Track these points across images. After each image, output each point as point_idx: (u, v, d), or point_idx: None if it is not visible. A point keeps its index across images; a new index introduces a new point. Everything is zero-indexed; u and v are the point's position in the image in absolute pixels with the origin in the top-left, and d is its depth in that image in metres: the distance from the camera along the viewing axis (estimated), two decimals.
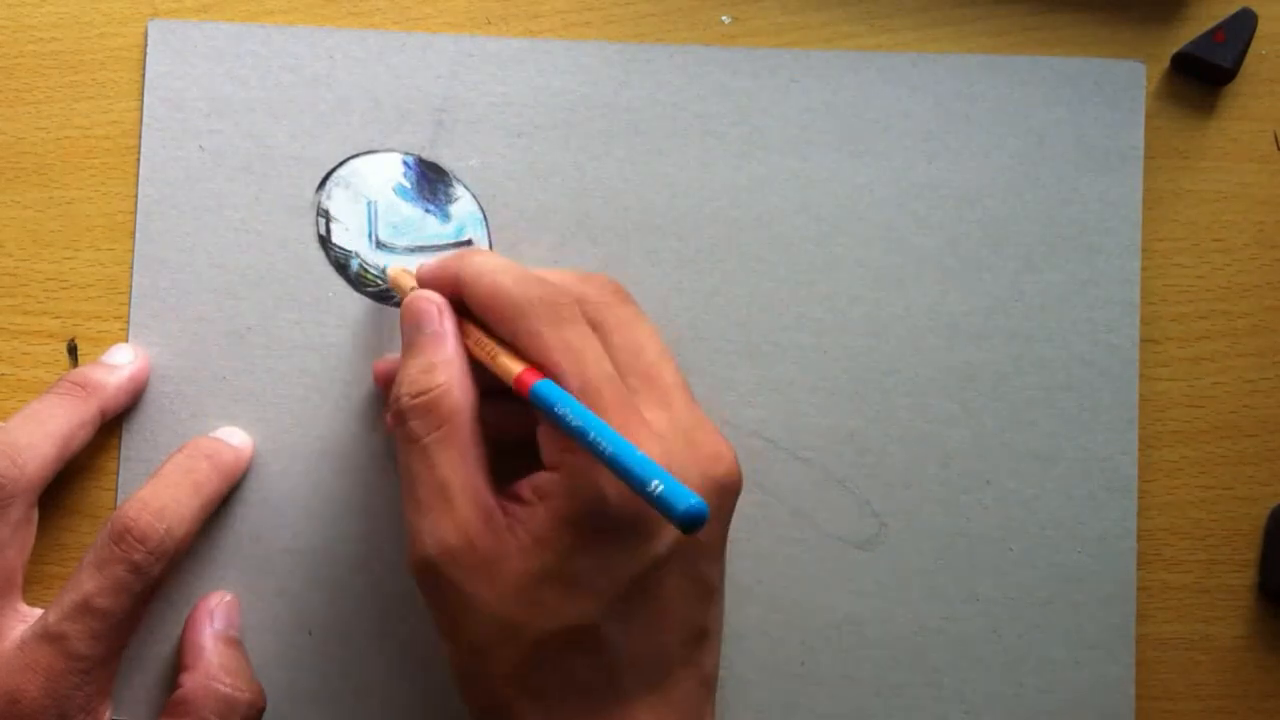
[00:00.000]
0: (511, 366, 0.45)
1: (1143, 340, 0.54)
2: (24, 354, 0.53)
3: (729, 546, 0.50)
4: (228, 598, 0.52)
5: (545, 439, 0.46)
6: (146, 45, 0.54)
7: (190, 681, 0.50)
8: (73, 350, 0.53)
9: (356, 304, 0.54)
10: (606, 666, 0.45)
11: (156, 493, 0.49)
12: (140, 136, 0.54)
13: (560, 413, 0.43)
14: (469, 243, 0.54)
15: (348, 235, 0.54)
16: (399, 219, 0.54)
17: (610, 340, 0.47)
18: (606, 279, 0.50)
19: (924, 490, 0.54)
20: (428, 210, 0.54)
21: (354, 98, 0.54)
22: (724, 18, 0.55)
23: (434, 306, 0.48)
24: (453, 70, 0.54)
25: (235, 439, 0.53)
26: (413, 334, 0.48)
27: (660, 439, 0.45)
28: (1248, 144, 0.55)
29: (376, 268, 0.54)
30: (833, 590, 0.53)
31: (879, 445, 0.54)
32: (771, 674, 0.53)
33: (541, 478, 0.45)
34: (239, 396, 0.53)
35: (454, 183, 0.54)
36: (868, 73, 0.55)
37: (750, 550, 0.53)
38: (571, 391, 0.44)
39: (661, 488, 0.40)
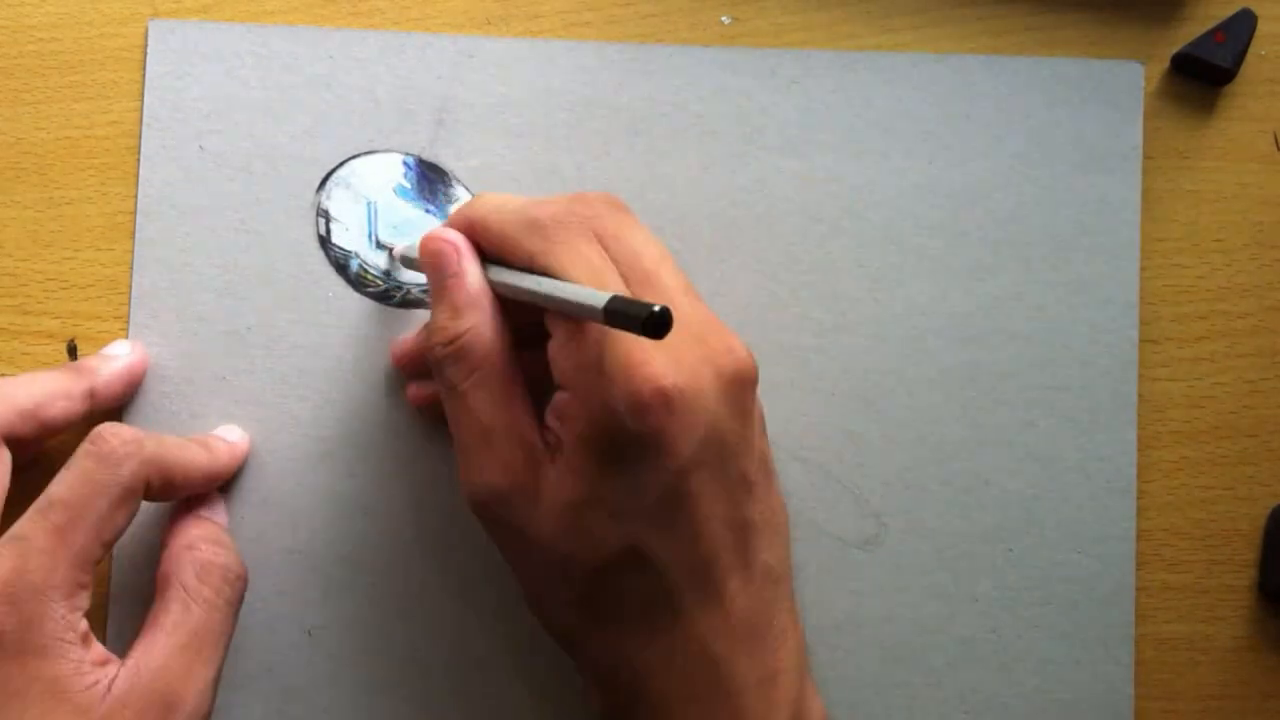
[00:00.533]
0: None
1: (1142, 340, 0.54)
2: (24, 354, 0.53)
3: None
4: (212, 495, 0.53)
5: (554, 356, 0.46)
6: (146, 45, 0.54)
7: (166, 555, 0.50)
8: (72, 350, 0.53)
9: (356, 304, 0.54)
10: (656, 579, 0.45)
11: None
12: (140, 136, 0.54)
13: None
14: None
15: (348, 235, 0.54)
16: (399, 219, 0.54)
17: (608, 249, 0.47)
18: (599, 194, 0.49)
19: (924, 490, 0.54)
20: (428, 210, 0.54)
21: (354, 98, 0.54)
22: (724, 18, 0.55)
23: (450, 246, 0.48)
24: (453, 71, 0.54)
25: (233, 434, 0.53)
26: (436, 280, 0.48)
27: (664, 345, 0.44)
28: (1247, 144, 0.55)
29: (377, 268, 0.54)
30: (832, 590, 0.53)
31: (879, 445, 0.54)
32: None
33: (559, 399, 0.46)
34: (239, 396, 0.53)
35: (454, 183, 0.54)
36: (868, 73, 0.55)
37: None
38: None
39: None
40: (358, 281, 0.54)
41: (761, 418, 0.49)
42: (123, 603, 0.52)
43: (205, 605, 0.48)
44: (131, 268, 0.53)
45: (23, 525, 0.46)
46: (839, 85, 0.55)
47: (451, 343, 0.47)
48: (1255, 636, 0.54)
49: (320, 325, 0.53)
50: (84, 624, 0.46)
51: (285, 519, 0.53)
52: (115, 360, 0.52)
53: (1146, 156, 0.55)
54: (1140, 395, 0.54)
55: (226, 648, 0.49)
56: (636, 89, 0.54)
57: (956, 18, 0.55)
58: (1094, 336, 0.54)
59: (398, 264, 0.53)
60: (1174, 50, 0.55)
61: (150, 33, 0.54)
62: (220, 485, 0.53)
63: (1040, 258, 0.54)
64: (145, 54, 0.54)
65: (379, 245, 0.54)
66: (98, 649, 0.46)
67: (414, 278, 0.54)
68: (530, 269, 0.46)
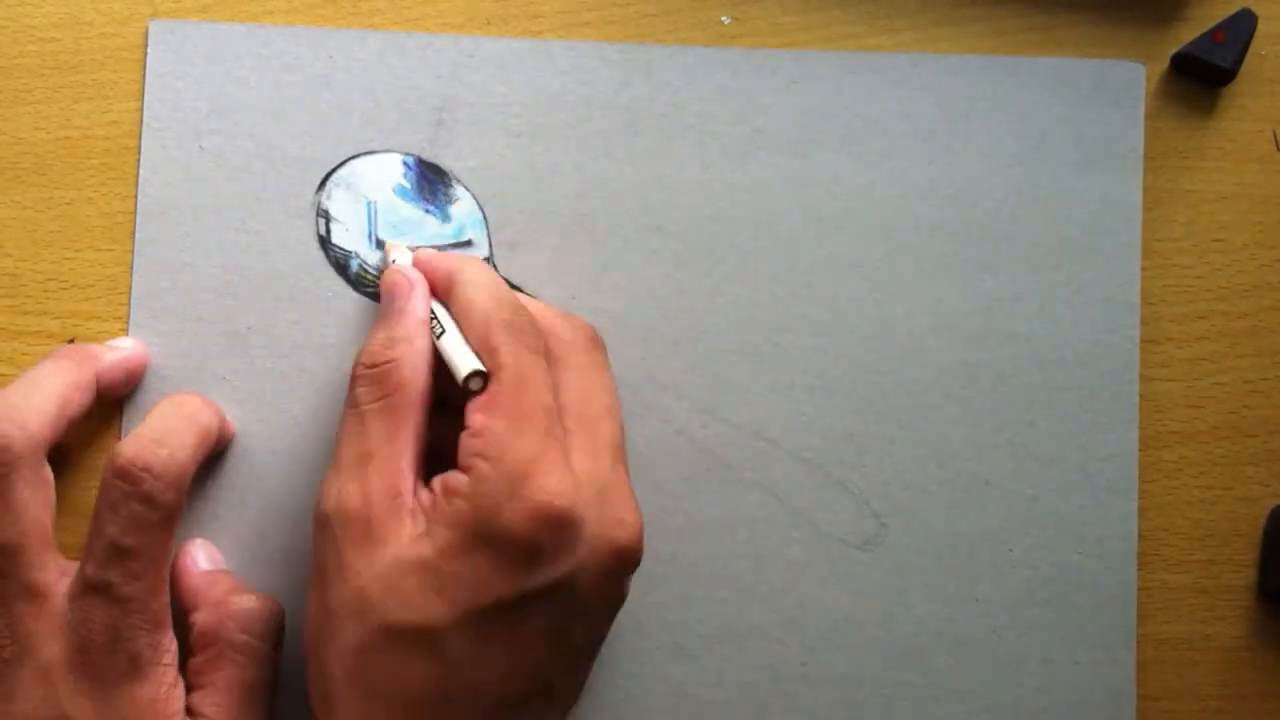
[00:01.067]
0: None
1: (1142, 340, 0.54)
2: (24, 354, 0.53)
3: (733, 545, 0.51)
4: (199, 540, 0.53)
5: (463, 444, 0.46)
6: (147, 45, 0.54)
7: (203, 615, 0.50)
8: None
9: (356, 304, 0.54)
10: (440, 681, 0.45)
11: (149, 425, 0.50)
12: (140, 136, 0.54)
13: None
14: (469, 243, 0.54)
15: (348, 235, 0.54)
16: (399, 219, 0.54)
17: (564, 379, 0.48)
18: (583, 322, 0.50)
19: (924, 491, 0.54)
20: (428, 211, 0.54)
21: (354, 98, 0.54)
22: (724, 18, 0.55)
23: (408, 283, 0.49)
24: (453, 70, 0.54)
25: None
26: (385, 305, 0.49)
27: (574, 480, 0.45)
28: (1247, 144, 0.55)
29: (377, 268, 0.54)
30: (833, 590, 0.53)
31: (879, 446, 0.54)
32: (772, 674, 0.53)
33: (452, 476, 0.46)
34: (239, 396, 0.53)
35: (454, 183, 0.54)
36: (868, 73, 0.55)
37: (750, 551, 0.53)
38: (501, 413, 0.45)
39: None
40: (358, 281, 0.54)
41: (618, 606, 0.49)
42: None
43: (256, 660, 0.50)
44: (131, 268, 0.53)
45: (100, 572, 0.47)
46: (839, 85, 0.55)
47: (374, 366, 0.47)
48: (1255, 637, 0.54)
49: (320, 325, 0.53)
50: (174, 644, 0.49)
51: (285, 519, 0.53)
52: (114, 351, 0.52)
53: (1146, 156, 0.55)
54: (1141, 395, 0.54)
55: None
56: (636, 89, 0.55)
57: (956, 18, 0.55)
58: (1095, 337, 0.54)
59: (388, 257, 0.53)
60: (1174, 50, 0.55)
61: (150, 33, 0.54)
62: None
63: (1041, 258, 0.54)
64: (145, 54, 0.54)
65: (379, 245, 0.54)
66: (180, 683, 0.49)
67: None
68: (475, 351, 0.47)
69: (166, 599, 0.48)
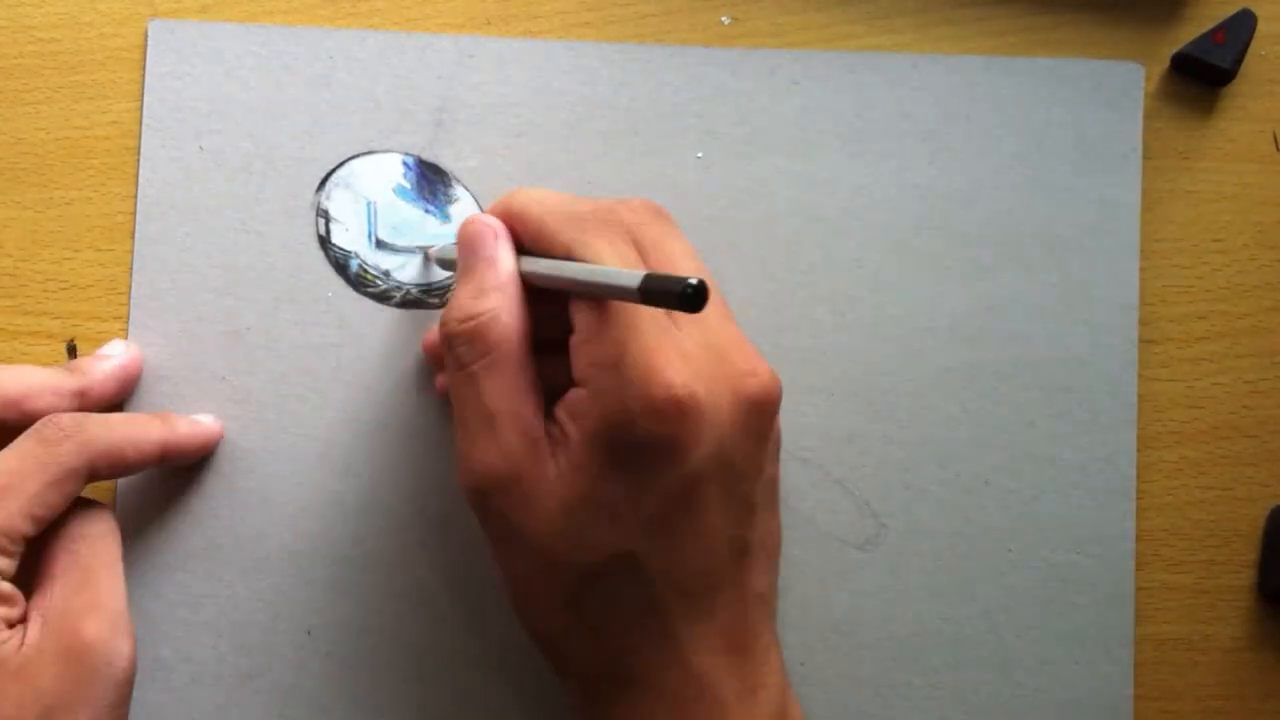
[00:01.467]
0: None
1: (1142, 341, 0.54)
2: (23, 354, 0.53)
3: None
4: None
5: (574, 351, 0.46)
6: (146, 46, 0.54)
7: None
8: (72, 350, 0.53)
9: (356, 304, 0.54)
10: (649, 589, 0.45)
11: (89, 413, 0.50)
12: (140, 137, 0.54)
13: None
14: None
15: (347, 236, 0.54)
16: (399, 219, 0.54)
17: (646, 258, 0.47)
18: (642, 200, 0.49)
19: (923, 491, 0.54)
20: (427, 210, 0.54)
21: (353, 98, 0.54)
22: (724, 18, 0.55)
23: (489, 230, 0.48)
24: (452, 71, 0.54)
25: (204, 419, 0.53)
26: (467, 258, 0.48)
27: (688, 357, 0.44)
28: (1247, 145, 0.55)
29: (376, 268, 0.54)
30: (832, 590, 0.53)
31: (878, 446, 0.54)
32: None
33: (572, 396, 0.45)
34: (238, 397, 0.53)
35: (453, 183, 0.54)
36: (867, 74, 0.55)
37: None
38: (604, 306, 0.45)
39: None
40: (357, 281, 0.54)
41: (778, 443, 0.49)
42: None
43: (85, 542, 0.49)
44: (131, 268, 0.53)
45: None
46: (839, 86, 0.55)
47: (469, 320, 0.46)
48: (1255, 637, 0.54)
49: (320, 325, 0.53)
50: (4, 586, 0.47)
51: (285, 519, 0.53)
52: (108, 360, 0.52)
53: (1146, 157, 0.55)
54: (1140, 395, 0.54)
55: (123, 577, 0.49)
56: (636, 89, 0.55)
57: (956, 18, 0.55)
58: (1094, 337, 0.54)
59: (432, 265, 0.53)
60: (1174, 50, 0.55)
61: (150, 33, 0.54)
62: (188, 465, 0.53)
63: (1040, 258, 0.54)
64: (145, 54, 0.54)
65: (379, 245, 0.54)
66: (17, 609, 0.47)
67: (416, 277, 0.54)
68: (566, 259, 0.46)
69: (15, 546, 0.47)
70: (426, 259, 0.54)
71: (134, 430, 0.50)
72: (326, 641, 0.53)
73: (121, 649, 0.47)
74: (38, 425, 0.47)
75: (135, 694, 0.51)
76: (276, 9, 0.55)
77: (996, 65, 0.55)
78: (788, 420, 0.53)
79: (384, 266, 0.54)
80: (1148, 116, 0.55)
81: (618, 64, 0.55)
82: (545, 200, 0.48)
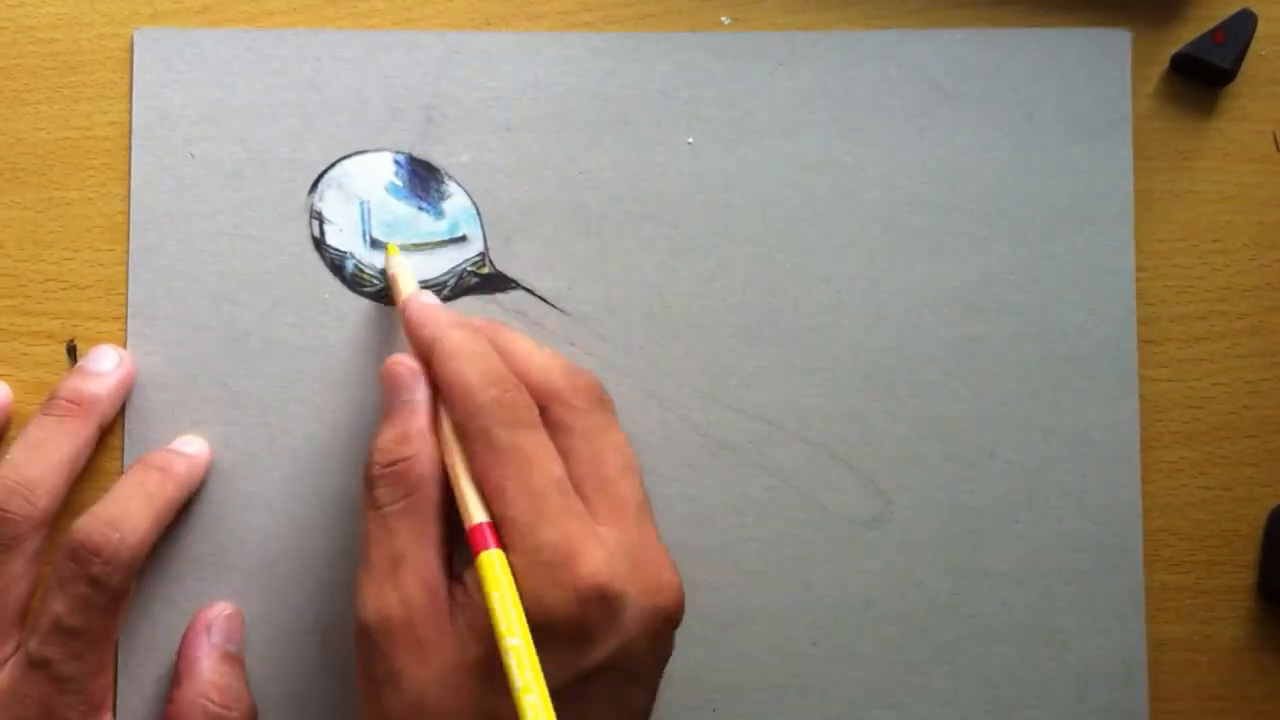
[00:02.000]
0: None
1: (1142, 341, 0.54)
2: (23, 355, 0.53)
3: (741, 529, 0.52)
4: (228, 610, 0.52)
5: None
6: (133, 54, 0.54)
7: (179, 698, 0.50)
8: (72, 351, 0.53)
9: (354, 305, 0.54)
10: None
11: (106, 506, 0.50)
12: (130, 147, 0.54)
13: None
14: (464, 239, 0.54)
15: (342, 236, 0.54)
16: (392, 217, 0.54)
17: (573, 446, 0.47)
18: (590, 380, 0.49)
19: (928, 466, 0.54)
20: (421, 208, 0.54)
21: (342, 98, 0.54)
22: (724, 18, 0.55)
23: (409, 373, 0.48)
24: (440, 67, 0.54)
25: (190, 447, 0.53)
26: (390, 399, 0.48)
27: (608, 549, 0.44)
28: (1247, 145, 0.55)
29: (372, 267, 0.54)
30: (841, 570, 0.53)
31: (881, 423, 0.54)
32: (783, 655, 0.53)
33: None
34: (238, 401, 0.53)
35: (446, 179, 0.54)
36: (854, 53, 0.55)
37: (757, 533, 0.53)
38: (510, 504, 0.44)
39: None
40: (354, 282, 0.54)
41: (667, 658, 0.48)
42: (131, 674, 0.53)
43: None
44: (128, 275, 0.54)
45: (42, 649, 0.48)
46: (826, 66, 0.55)
47: (391, 465, 0.46)
48: (1255, 637, 0.54)
49: (318, 326, 0.54)
50: None
51: (290, 521, 0.53)
52: (108, 379, 0.52)
53: (1146, 157, 0.55)
54: (1140, 396, 0.54)
55: None
56: (625, 78, 0.55)
57: (956, 19, 0.55)
58: (1091, 305, 0.54)
59: (390, 272, 0.53)
60: (1174, 51, 0.55)
61: (136, 42, 0.54)
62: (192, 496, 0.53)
63: (1035, 228, 0.54)
64: (132, 63, 0.54)
65: (374, 244, 0.54)
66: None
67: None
68: (463, 442, 0.46)
69: (108, 680, 0.49)
70: (382, 248, 0.54)
71: (156, 507, 0.50)
72: (336, 642, 0.53)
73: None
74: (78, 563, 0.48)
75: (146, 700, 0.52)
76: (276, 9, 0.55)
77: (983, 38, 0.55)
78: (790, 403, 0.54)
79: (380, 265, 0.54)
80: (1147, 117, 0.55)
81: (605, 54, 0.55)
82: (465, 365, 0.47)
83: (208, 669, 0.51)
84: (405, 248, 0.54)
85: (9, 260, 0.54)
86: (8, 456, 0.50)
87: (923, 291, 0.54)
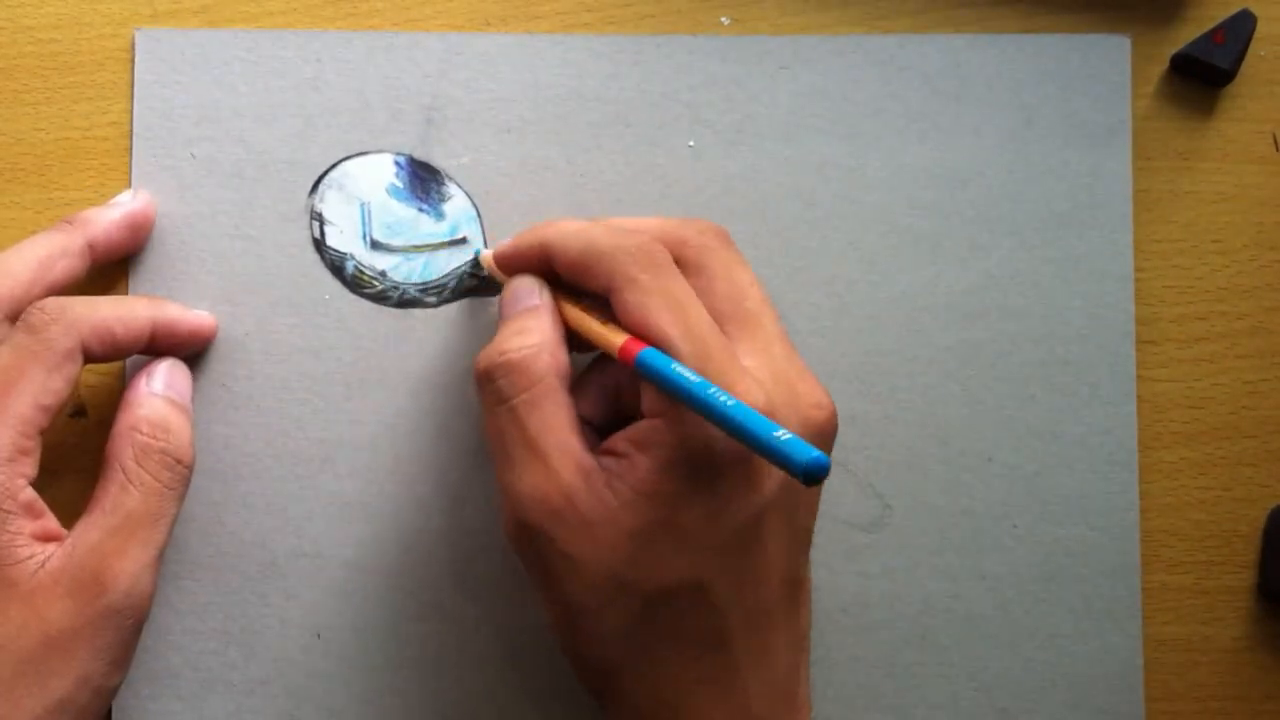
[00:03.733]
0: (613, 338, 0.45)
1: (1141, 341, 0.54)
2: None
3: None
4: (170, 360, 0.52)
5: (647, 389, 0.45)
6: (134, 55, 0.54)
7: (111, 434, 0.50)
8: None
9: (353, 306, 0.54)
10: (714, 618, 0.44)
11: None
12: (131, 148, 0.54)
13: (671, 379, 0.42)
14: (463, 240, 0.54)
15: (342, 237, 0.54)
16: (393, 219, 0.54)
17: (712, 285, 0.47)
18: (706, 222, 0.49)
19: (926, 470, 0.54)
20: (421, 209, 0.54)
21: (343, 100, 0.54)
22: (724, 19, 0.55)
23: (533, 284, 0.48)
24: (441, 69, 0.54)
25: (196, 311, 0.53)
26: (509, 308, 0.48)
27: (762, 387, 0.44)
28: (1247, 145, 0.55)
29: (373, 269, 0.54)
30: (839, 573, 0.54)
31: (880, 427, 0.54)
32: None
33: (642, 427, 0.44)
34: (239, 403, 0.53)
35: (446, 181, 0.54)
36: (855, 56, 0.55)
37: None
38: (676, 343, 0.43)
39: (785, 438, 0.39)
40: (354, 283, 0.54)
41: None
42: None
43: (142, 489, 0.48)
44: (128, 276, 0.54)
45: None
46: (827, 69, 0.55)
47: (510, 353, 0.46)
48: (1255, 638, 0.54)
49: (318, 328, 0.54)
50: (28, 493, 0.47)
51: (290, 523, 0.53)
52: (113, 208, 0.52)
53: (1145, 158, 0.55)
54: (1140, 396, 0.54)
55: (168, 532, 0.49)
56: (625, 80, 0.55)
57: (955, 19, 0.55)
58: (1091, 310, 0.54)
59: (490, 269, 0.52)
60: (1173, 51, 0.55)
61: (137, 42, 0.54)
62: (186, 355, 0.53)
63: (1034, 233, 0.54)
64: (133, 63, 0.54)
65: (374, 246, 0.54)
66: (44, 524, 0.48)
67: (409, 277, 0.54)
68: (609, 304, 0.46)
69: (28, 442, 0.47)
70: (480, 263, 0.54)
71: (121, 308, 0.50)
72: (336, 645, 0.53)
73: (139, 600, 0.47)
74: (23, 315, 0.48)
75: (146, 704, 0.52)
76: (276, 9, 0.54)
77: (984, 43, 0.55)
78: None
79: (380, 267, 0.54)
80: (1147, 118, 0.55)
81: (606, 56, 0.55)
82: (590, 232, 0.47)
83: (139, 405, 0.50)
84: (406, 249, 0.54)
85: None
86: None
87: (922, 295, 0.54)
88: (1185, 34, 0.55)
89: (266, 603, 0.53)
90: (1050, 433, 0.54)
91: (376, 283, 0.54)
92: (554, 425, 0.45)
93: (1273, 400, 0.55)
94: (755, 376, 0.45)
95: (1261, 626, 0.54)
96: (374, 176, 0.54)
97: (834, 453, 0.53)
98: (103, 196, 0.54)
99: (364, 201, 0.54)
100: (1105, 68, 0.55)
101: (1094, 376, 0.54)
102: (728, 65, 0.55)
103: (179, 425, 0.50)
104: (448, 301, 0.54)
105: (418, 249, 0.54)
